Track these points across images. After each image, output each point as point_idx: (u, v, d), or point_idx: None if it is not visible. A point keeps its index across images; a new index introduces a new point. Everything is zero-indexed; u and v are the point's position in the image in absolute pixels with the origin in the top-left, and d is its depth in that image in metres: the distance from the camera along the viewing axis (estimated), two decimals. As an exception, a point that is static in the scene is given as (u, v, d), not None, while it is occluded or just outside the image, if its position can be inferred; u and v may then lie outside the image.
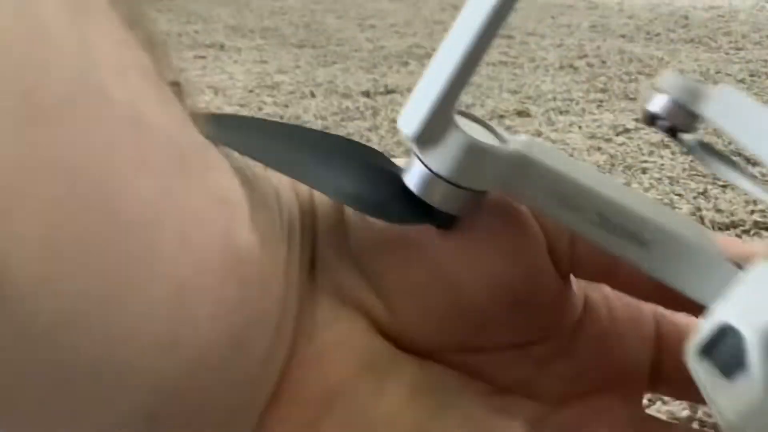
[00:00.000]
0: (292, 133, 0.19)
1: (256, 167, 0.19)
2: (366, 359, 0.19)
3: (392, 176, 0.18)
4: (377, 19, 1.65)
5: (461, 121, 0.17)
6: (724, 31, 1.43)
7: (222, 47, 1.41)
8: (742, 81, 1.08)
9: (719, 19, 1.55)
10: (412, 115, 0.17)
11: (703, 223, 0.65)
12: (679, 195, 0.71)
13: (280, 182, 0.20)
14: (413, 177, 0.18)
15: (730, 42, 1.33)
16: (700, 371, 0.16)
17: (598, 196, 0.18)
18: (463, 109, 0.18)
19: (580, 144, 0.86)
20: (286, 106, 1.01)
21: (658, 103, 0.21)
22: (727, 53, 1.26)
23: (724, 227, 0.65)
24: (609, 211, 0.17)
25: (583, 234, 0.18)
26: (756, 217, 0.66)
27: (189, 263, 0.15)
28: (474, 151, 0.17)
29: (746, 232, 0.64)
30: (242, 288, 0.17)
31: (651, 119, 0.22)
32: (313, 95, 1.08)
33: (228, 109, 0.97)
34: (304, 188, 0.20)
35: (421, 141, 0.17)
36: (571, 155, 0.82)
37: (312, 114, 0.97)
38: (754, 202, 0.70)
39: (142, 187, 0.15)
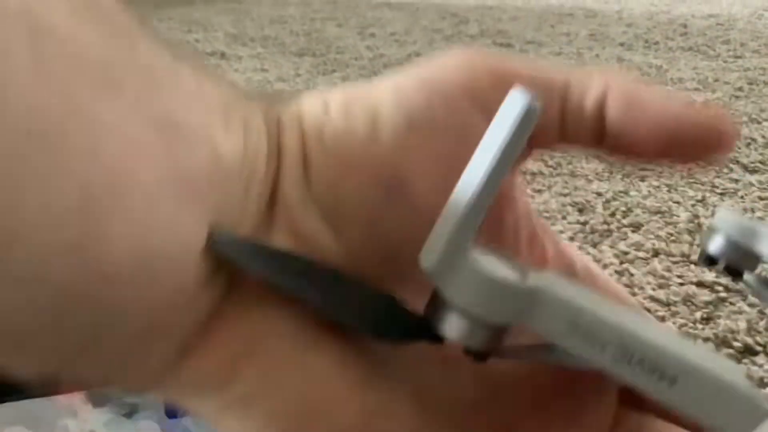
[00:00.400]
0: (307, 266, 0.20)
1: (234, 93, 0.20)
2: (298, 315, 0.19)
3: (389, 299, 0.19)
4: (377, 27, 1.65)
5: (480, 255, 0.17)
6: (723, 39, 1.43)
7: (223, 55, 1.42)
8: (740, 89, 1.08)
9: (717, 27, 1.56)
10: (430, 250, 0.17)
11: (701, 230, 0.66)
12: (677, 202, 0.72)
13: (252, 114, 0.20)
14: (431, 306, 0.18)
15: (729, 50, 1.34)
16: None
17: (620, 329, 0.17)
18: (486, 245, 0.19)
19: (578, 151, 0.86)
20: (287, 114, 1.01)
21: (715, 246, 0.21)
22: (725, 61, 1.26)
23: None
24: (632, 346, 0.17)
25: (607, 370, 0.17)
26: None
27: (101, 178, 0.16)
28: (489, 285, 0.17)
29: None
30: (169, 209, 0.17)
31: (709, 261, 0.22)
32: (313, 103, 1.08)
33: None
34: (272, 123, 0.20)
35: (438, 274, 0.17)
36: (570, 163, 0.83)
37: (312, 122, 0.98)
38: (752, 210, 0.71)
39: (40, 96, 0.15)
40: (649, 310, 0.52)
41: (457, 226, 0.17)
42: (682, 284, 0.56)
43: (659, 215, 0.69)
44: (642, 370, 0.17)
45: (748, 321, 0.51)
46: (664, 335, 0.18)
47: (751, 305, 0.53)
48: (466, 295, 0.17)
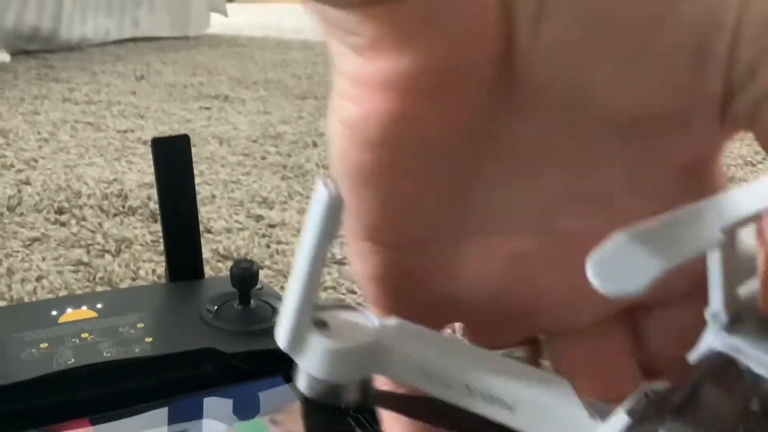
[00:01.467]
0: None
1: None
2: None
3: None
4: (378, 71, 1.68)
5: (327, 319, 0.20)
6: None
7: (227, 98, 1.44)
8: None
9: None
10: (280, 330, 0.20)
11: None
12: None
13: None
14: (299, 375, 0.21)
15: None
16: None
17: (462, 370, 0.19)
18: (335, 301, 0.21)
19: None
20: (289, 155, 1.03)
21: None
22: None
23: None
24: (472, 384, 0.19)
25: (454, 402, 0.20)
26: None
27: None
28: (333, 354, 0.19)
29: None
30: None
31: None
32: (315, 145, 1.10)
33: (232, 159, 0.99)
34: None
35: (290, 351, 0.19)
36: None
37: (314, 163, 0.99)
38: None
39: None
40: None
41: (297, 306, 0.19)
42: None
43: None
44: (485, 402, 0.19)
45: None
46: (501, 370, 0.20)
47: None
48: (315, 364, 0.19)
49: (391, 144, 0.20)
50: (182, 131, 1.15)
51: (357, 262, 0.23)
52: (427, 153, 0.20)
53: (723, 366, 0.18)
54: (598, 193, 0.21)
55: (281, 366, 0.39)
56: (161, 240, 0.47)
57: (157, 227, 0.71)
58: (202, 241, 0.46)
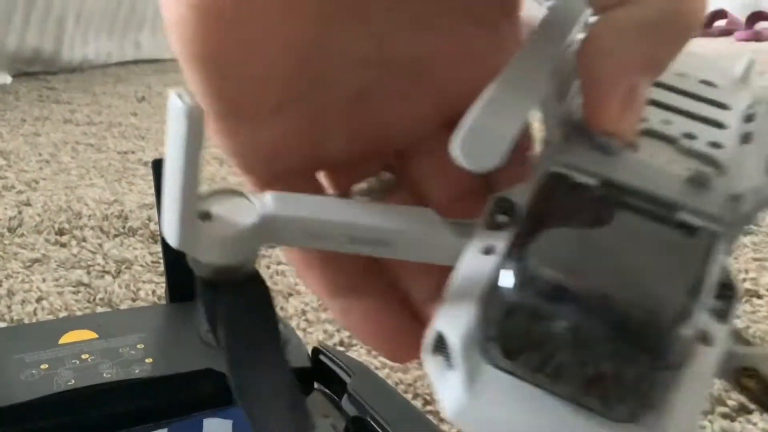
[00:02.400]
0: None
1: None
2: None
3: None
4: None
5: (211, 208, 0.21)
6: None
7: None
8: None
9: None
10: (167, 228, 0.20)
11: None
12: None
13: None
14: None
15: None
16: (431, 365, 0.19)
17: (341, 224, 0.21)
18: (216, 187, 0.22)
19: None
20: (289, 176, 1.03)
21: None
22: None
23: (717, 295, 0.66)
24: (353, 234, 0.21)
25: (341, 251, 0.22)
26: (748, 285, 0.68)
27: None
28: (222, 241, 0.21)
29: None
30: None
31: None
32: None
33: (232, 180, 1.00)
34: None
35: (183, 245, 0.20)
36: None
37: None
38: (746, 270, 0.72)
39: None
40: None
41: (179, 210, 0.19)
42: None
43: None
44: (368, 246, 0.21)
45: (743, 380, 0.52)
46: (373, 215, 0.22)
47: (745, 364, 0.54)
48: (206, 254, 0.21)
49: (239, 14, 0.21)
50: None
51: (221, 139, 0.24)
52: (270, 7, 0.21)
53: (558, 183, 0.20)
54: (433, 20, 0.23)
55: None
56: (161, 261, 0.47)
57: (158, 248, 0.72)
58: (203, 262, 0.46)
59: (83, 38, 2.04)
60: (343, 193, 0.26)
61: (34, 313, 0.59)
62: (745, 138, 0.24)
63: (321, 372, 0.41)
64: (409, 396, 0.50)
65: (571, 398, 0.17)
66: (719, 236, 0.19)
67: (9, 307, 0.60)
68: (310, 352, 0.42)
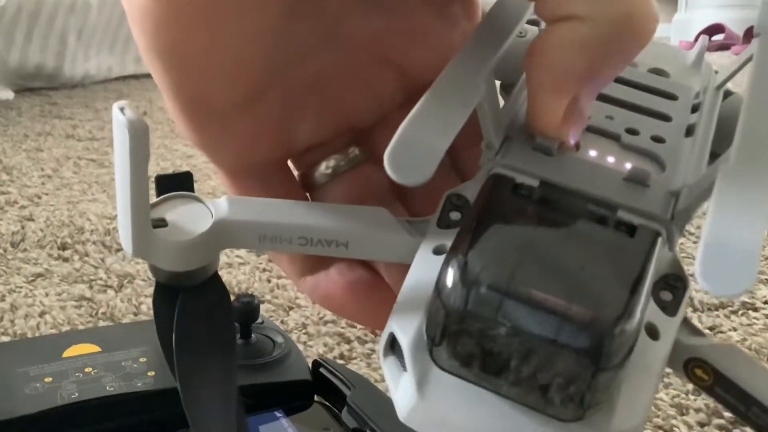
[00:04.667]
0: None
1: None
2: None
3: None
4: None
5: (166, 215, 0.21)
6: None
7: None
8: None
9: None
10: (123, 238, 0.20)
11: (692, 303, 0.67)
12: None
13: None
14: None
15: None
16: (386, 366, 0.19)
17: (296, 226, 0.21)
18: (175, 194, 0.22)
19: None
20: (289, 190, 1.04)
21: None
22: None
23: (714, 308, 0.66)
24: (308, 235, 0.21)
25: (297, 252, 0.22)
26: (744, 297, 0.68)
27: None
28: (177, 248, 0.21)
29: (734, 312, 0.66)
30: None
31: None
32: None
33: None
34: None
35: (138, 253, 0.20)
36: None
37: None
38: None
39: None
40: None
41: (132, 220, 0.19)
42: (674, 356, 0.57)
43: (652, 289, 0.71)
44: (324, 246, 0.21)
45: (739, 392, 0.52)
46: (327, 215, 0.22)
47: (741, 376, 0.54)
48: (162, 261, 0.21)
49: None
50: (184, 167, 1.16)
51: (190, 133, 0.24)
52: None
53: (500, 183, 0.20)
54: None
55: (281, 400, 0.39)
56: (164, 275, 0.47)
57: (159, 262, 0.72)
58: (204, 276, 0.47)
59: (85, 54, 2.05)
60: (310, 171, 0.26)
61: (37, 327, 0.60)
62: (689, 130, 0.24)
63: (321, 385, 0.41)
64: (408, 409, 0.50)
65: (517, 399, 0.17)
66: (659, 233, 0.19)
67: (12, 321, 0.61)
68: (310, 365, 0.42)
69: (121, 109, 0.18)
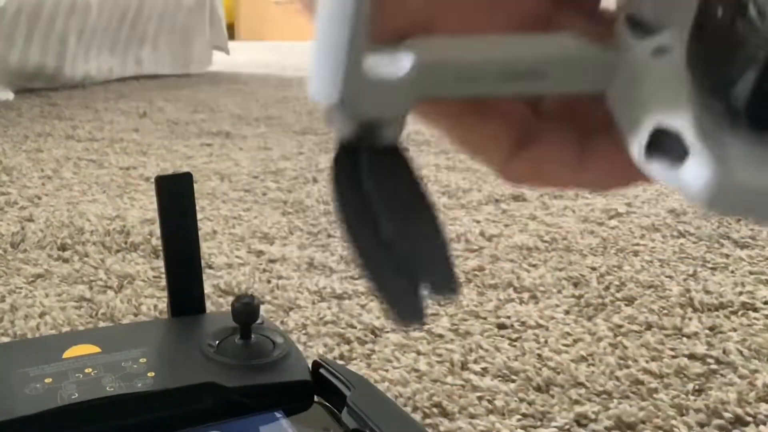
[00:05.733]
0: None
1: None
2: None
3: None
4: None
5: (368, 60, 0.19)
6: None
7: (228, 135, 1.46)
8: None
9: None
10: (321, 83, 0.19)
11: (692, 304, 0.67)
12: (670, 277, 0.73)
13: None
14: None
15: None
16: (654, 168, 0.18)
17: (494, 62, 0.20)
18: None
19: (573, 227, 0.88)
20: (290, 191, 1.04)
21: None
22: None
23: (713, 308, 0.66)
24: (509, 68, 0.20)
25: (497, 94, 0.21)
26: (744, 298, 0.68)
27: None
28: (388, 86, 0.20)
29: (734, 312, 0.66)
30: None
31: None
32: (315, 181, 1.11)
33: (233, 195, 1.00)
34: None
35: (344, 94, 0.19)
36: (565, 238, 0.85)
37: (315, 199, 1.00)
38: (742, 284, 0.72)
39: None
40: (642, 382, 0.54)
41: (347, 54, 0.18)
42: (674, 357, 0.58)
43: (652, 289, 0.71)
44: (523, 82, 0.20)
45: (739, 392, 0.52)
46: (528, 44, 0.21)
47: (741, 377, 0.54)
48: (371, 104, 0.19)
49: None
50: (184, 168, 1.17)
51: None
52: None
53: None
54: None
55: (281, 400, 0.39)
56: (163, 276, 0.48)
57: (159, 263, 0.72)
58: (204, 276, 0.47)
59: (85, 55, 2.05)
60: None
61: (37, 327, 0.60)
62: None
63: (321, 385, 0.41)
64: (408, 409, 0.50)
65: None
66: None
67: (12, 322, 0.61)
68: (310, 365, 0.42)
69: None
